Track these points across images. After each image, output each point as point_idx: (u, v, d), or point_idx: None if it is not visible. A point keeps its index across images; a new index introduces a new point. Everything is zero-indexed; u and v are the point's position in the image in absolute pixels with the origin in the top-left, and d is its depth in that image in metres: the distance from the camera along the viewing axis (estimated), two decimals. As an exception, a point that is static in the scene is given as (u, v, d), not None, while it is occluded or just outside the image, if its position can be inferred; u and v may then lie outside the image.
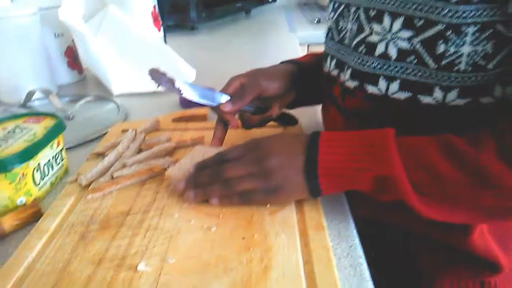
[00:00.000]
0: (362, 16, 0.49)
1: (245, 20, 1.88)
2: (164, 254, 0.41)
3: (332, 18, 0.57)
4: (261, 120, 0.60)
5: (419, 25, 0.44)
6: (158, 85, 0.52)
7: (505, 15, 0.40)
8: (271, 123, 0.62)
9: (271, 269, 0.38)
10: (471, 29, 0.41)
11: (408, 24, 0.44)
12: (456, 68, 0.43)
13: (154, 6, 1.08)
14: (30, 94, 0.87)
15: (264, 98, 0.58)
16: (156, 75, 0.52)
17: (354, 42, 0.51)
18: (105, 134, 0.71)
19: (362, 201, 0.50)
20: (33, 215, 0.50)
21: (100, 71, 0.98)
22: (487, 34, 0.41)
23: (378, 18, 0.47)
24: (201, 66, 1.05)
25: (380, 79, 0.48)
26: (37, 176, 0.53)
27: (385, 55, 0.47)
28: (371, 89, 0.49)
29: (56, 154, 0.58)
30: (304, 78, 0.62)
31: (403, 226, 0.54)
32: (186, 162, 0.54)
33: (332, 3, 0.58)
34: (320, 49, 0.65)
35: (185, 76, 0.98)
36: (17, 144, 0.52)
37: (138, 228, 0.45)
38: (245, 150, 0.48)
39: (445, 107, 0.45)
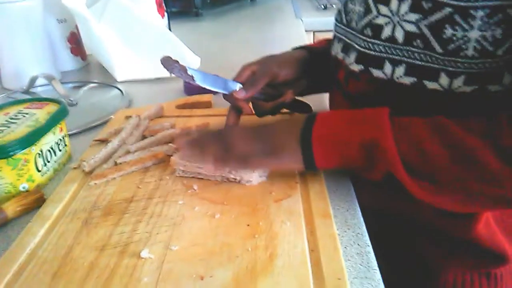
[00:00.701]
0: None
1: (250, 6, 1.86)
2: (167, 241, 0.41)
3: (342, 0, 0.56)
4: (274, 107, 0.59)
5: (427, 7, 0.42)
6: (171, 73, 0.52)
7: None
8: (284, 111, 0.61)
9: (276, 257, 0.38)
10: (480, 13, 0.40)
11: (415, 6, 0.43)
12: (463, 53, 0.42)
13: (158, -7, 1.07)
14: (32, 80, 0.86)
15: (276, 85, 0.58)
16: (168, 62, 0.53)
17: (361, 25, 0.49)
18: (108, 120, 0.71)
19: (366, 191, 0.49)
20: (36, 201, 0.49)
21: (104, 58, 0.97)
22: (496, 18, 0.40)
23: (386, 0, 0.45)
24: (206, 53, 1.03)
25: (386, 62, 0.46)
26: (40, 162, 0.53)
27: (391, 38, 0.46)
28: (376, 73, 0.48)
29: (59, 140, 0.57)
30: (316, 65, 0.61)
31: (408, 215, 0.53)
32: (190, 149, 0.53)
33: None
34: (328, 35, 0.64)
35: (189, 63, 0.97)
36: (20, 130, 0.51)
37: (142, 215, 0.45)
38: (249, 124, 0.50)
39: (451, 94, 0.43)
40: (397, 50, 0.45)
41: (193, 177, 0.51)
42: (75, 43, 1.06)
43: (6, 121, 0.53)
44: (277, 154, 0.45)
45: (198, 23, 1.59)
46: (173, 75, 0.54)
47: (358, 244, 0.41)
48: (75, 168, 0.55)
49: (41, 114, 0.55)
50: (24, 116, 0.55)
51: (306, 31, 1.45)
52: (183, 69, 0.53)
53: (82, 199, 0.48)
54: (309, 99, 0.65)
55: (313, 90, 0.65)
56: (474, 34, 0.41)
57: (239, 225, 0.42)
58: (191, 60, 0.98)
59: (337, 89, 0.57)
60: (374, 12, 0.47)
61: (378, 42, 0.47)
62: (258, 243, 0.40)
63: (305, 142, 0.44)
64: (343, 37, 0.55)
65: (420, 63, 0.44)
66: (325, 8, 1.71)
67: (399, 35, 0.45)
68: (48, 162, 0.54)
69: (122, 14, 0.96)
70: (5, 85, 0.94)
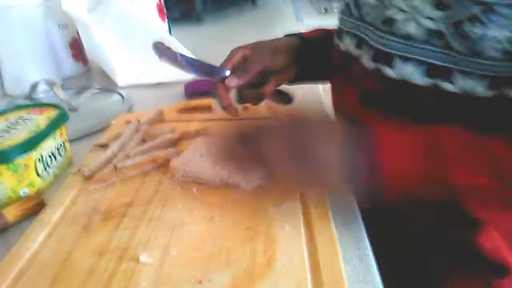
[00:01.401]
0: None
1: (251, 10, 1.86)
2: (166, 246, 0.41)
3: None
4: (255, 96, 0.57)
5: (448, 3, 0.40)
6: (160, 58, 0.51)
7: None
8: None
9: (275, 261, 0.38)
10: (505, 11, 0.37)
11: (436, 2, 0.41)
12: (484, 54, 0.39)
13: (159, -3, 1.07)
14: (34, 86, 0.87)
15: (263, 72, 0.56)
16: (160, 47, 0.52)
17: (377, 19, 0.47)
18: (109, 125, 0.71)
19: (367, 196, 0.48)
20: (36, 206, 0.49)
21: (105, 63, 0.98)
22: None
23: None
24: (207, 57, 1.03)
25: (400, 61, 0.44)
26: (40, 167, 0.53)
27: (409, 35, 0.43)
28: (390, 71, 0.45)
29: (59, 145, 0.57)
30: (308, 53, 0.59)
31: (409, 221, 0.53)
32: (190, 154, 0.53)
33: None
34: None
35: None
36: (20, 135, 0.51)
37: (141, 219, 0.45)
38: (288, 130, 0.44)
39: (469, 99, 0.41)
40: (413, 48, 0.43)
41: (192, 181, 0.51)
42: (77, 49, 1.07)
43: (7, 126, 0.54)
44: (324, 180, 0.42)
45: (199, 27, 1.59)
46: (161, 60, 0.52)
47: (358, 248, 0.41)
48: (75, 173, 0.55)
49: (42, 119, 0.56)
50: (24, 122, 0.55)
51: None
52: (174, 55, 0.51)
53: (82, 203, 0.49)
54: (305, 91, 0.64)
55: (303, 79, 0.63)
56: (498, 33, 0.38)
57: (237, 229, 0.42)
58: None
59: (347, 86, 0.55)
60: (392, 8, 0.45)
61: (394, 38, 0.45)
62: (256, 246, 0.39)
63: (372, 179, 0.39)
64: (356, 32, 0.53)
65: (438, 63, 0.42)
66: (326, 11, 1.71)
67: (418, 32, 0.42)
68: (49, 167, 0.55)
69: (122, 19, 0.96)
70: (7, 90, 0.94)
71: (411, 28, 0.43)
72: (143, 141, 0.61)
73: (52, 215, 0.47)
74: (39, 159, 0.53)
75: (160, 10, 1.11)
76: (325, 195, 0.46)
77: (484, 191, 0.38)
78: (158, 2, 1.10)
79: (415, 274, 0.56)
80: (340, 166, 0.40)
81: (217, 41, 1.39)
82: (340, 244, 0.40)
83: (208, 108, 0.74)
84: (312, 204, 0.45)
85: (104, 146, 0.61)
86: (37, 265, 0.40)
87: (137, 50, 0.97)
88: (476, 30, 0.38)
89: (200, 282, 0.36)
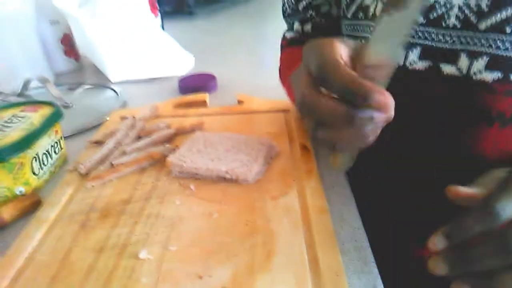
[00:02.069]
0: None
1: (243, 4, 1.85)
2: (166, 242, 0.41)
3: None
4: None
5: None
6: None
7: None
8: None
9: (274, 255, 0.38)
10: None
11: None
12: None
13: (151, -9, 1.06)
14: (26, 83, 0.86)
15: None
16: None
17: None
18: (103, 122, 0.71)
19: (363, 187, 0.48)
20: (32, 204, 0.49)
21: (97, 59, 0.97)
22: None
23: None
24: (200, 52, 1.03)
25: None
26: (36, 165, 0.52)
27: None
28: None
29: (54, 143, 0.57)
30: None
31: (406, 212, 0.53)
32: (186, 149, 0.53)
33: None
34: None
35: (183, 63, 0.97)
36: (14, 134, 0.51)
37: (139, 216, 0.45)
38: None
39: (469, 81, 0.40)
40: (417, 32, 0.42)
41: (189, 177, 0.51)
42: (68, 45, 1.06)
43: (1, 125, 0.53)
44: None
45: (191, 22, 1.58)
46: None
47: (355, 240, 0.41)
48: (71, 170, 0.54)
49: (36, 117, 0.55)
50: (18, 120, 0.55)
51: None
52: None
53: (79, 201, 0.48)
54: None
55: None
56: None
57: (236, 224, 0.42)
58: (184, 59, 0.98)
59: None
60: None
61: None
62: (255, 241, 0.40)
63: None
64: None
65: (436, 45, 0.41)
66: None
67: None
68: (44, 165, 0.54)
69: (114, 14, 0.95)
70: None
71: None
72: (139, 137, 0.61)
73: (49, 213, 0.46)
74: (35, 158, 0.52)
75: (152, 5, 1.10)
76: (322, 188, 0.47)
77: None
78: (150, -3, 1.09)
79: (412, 263, 0.57)
80: None
81: (209, 34, 1.39)
82: (337, 236, 0.41)
83: (203, 103, 0.74)
84: (310, 198, 0.45)
85: (99, 142, 0.61)
86: (36, 264, 0.39)
87: (129, 45, 0.96)
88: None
89: (200, 278, 0.36)
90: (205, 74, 0.88)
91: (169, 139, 0.60)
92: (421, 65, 0.43)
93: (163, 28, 1.19)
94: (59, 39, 1.04)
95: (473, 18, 0.39)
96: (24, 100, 0.84)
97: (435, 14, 0.41)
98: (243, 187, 0.48)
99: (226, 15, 1.67)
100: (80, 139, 0.67)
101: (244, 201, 0.46)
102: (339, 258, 0.37)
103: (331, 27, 0.58)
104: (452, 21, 0.40)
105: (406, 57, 0.44)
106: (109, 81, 0.94)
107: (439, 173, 0.47)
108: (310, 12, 0.59)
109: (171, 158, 0.51)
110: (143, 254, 0.39)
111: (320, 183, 0.48)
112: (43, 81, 0.84)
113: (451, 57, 0.41)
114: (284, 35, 0.65)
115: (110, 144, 0.57)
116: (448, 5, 0.40)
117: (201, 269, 0.37)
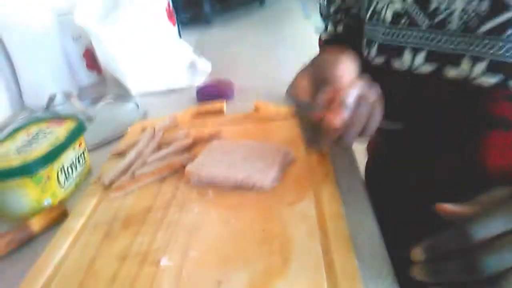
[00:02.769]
0: None
1: (259, 10, 1.87)
2: (185, 249, 0.42)
3: None
4: None
5: None
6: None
7: None
8: None
9: (291, 261, 0.39)
10: None
11: None
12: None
13: (168, 3, 1.09)
14: (51, 98, 0.90)
15: None
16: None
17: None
18: (125, 133, 0.73)
19: (382, 195, 0.48)
20: (59, 215, 0.51)
21: (118, 71, 1.00)
22: None
23: None
24: (217, 59, 1.05)
25: (406, 51, 0.45)
26: (62, 177, 0.55)
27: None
28: (395, 63, 0.46)
29: (79, 155, 0.59)
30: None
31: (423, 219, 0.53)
32: (204, 158, 0.54)
33: None
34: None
35: (200, 71, 0.99)
36: (41, 148, 0.53)
37: (160, 224, 0.46)
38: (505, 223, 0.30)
39: (469, 85, 0.40)
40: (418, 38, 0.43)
41: (207, 185, 0.52)
42: (90, 58, 1.09)
43: (28, 140, 0.56)
44: None
45: (208, 30, 1.61)
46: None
47: (372, 245, 0.41)
48: (95, 181, 0.57)
49: (61, 131, 0.58)
50: (44, 134, 0.57)
51: (316, 31, 1.46)
52: None
53: (103, 211, 0.50)
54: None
55: None
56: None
57: (253, 230, 0.43)
58: (202, 67, 1.00)
59: None
60: None
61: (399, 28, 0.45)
62: (272, 247, 0.40)
63: None
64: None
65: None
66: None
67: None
68: (70, 177, 0.57)
69: (133, 27, 0.98)
70: (26, 103, 0.97)
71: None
72: (159, 147, 0.62)
73: (75, 224, 0.49)
74: (61, 170, 0.55)
75: (169, 15, 1.13)
76: (338, 194, 0.47)
77: None
78: (168, 8, 1.11)
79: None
80: None
81: (226, 42, 1.41)
82: (354, 242, 0.41)
83: (220, 112, 0.75)
84: (326, 203, 0.46)
85: (121, 154, 0.63)
86: (63, 273, 0.41)
87: (148, 57, 0.99)
88: None
89: (219, 283, 0.37)
90: (222, 81, 0.89)
91: (188, 148, 0.62)
92: (425, 69, 0.44)
93: (180, 36, 1.21)
94: (82, 53, 1.07)
95: (474, 22, 0.39)
96: (50, 115, 0.87)
97: (439, 18, 0.42)
98: (260, 193, 0.49)
99: (243, 22, 1.68)
100: (103, 151, 0.69)
101: (260, 207, 0.46)
102: (355, 264, 0.37)
103: (361, 28, 0.60)
104: (455, 25, 0.41)
105: (412, 61, 0.44)
106: (130, 93, 0.97)
107: (441, 176, 0.47)
108: (341, 14, 0.61)
109: (189, 168, 0.53)
110: (164, 261, 0.40)
111: (337, 189, 0.48)
112: (68, 95, 0.87)
113: (455, 60, 0.41)
114: (320, 36, 0.68)
115: (131, 155, 0.59)
116: (450, 9, 0.40)
117: (220, 274, 0.38)
